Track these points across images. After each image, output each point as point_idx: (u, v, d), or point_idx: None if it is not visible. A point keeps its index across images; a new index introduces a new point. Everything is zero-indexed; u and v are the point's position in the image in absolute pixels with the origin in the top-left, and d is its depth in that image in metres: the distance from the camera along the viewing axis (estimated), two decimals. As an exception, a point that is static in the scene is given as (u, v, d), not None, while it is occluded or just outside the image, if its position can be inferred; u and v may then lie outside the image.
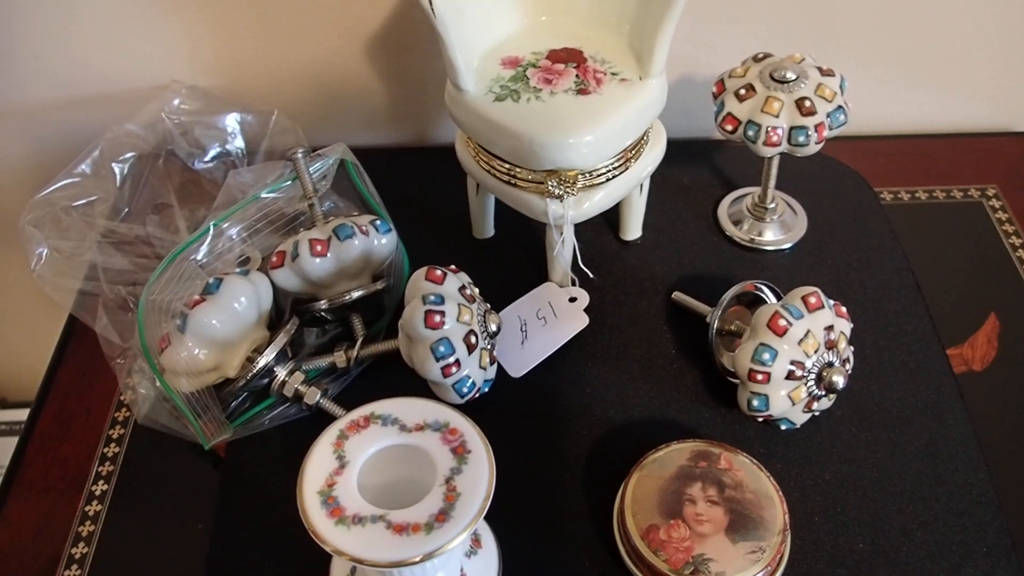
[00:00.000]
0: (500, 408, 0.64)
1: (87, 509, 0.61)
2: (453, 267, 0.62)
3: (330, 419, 0.58)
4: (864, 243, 0.75)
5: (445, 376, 0.59)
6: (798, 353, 0.57)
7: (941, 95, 0.86)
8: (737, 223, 0.76)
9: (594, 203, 0.65)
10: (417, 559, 0.44)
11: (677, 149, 0.74)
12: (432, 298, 0.58)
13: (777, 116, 0.66)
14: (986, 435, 0.63)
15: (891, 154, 0.85)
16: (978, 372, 0.67)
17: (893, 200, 0.80)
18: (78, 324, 0.70)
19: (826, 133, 0.66)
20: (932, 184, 0.82)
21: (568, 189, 0.63)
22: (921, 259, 0.74)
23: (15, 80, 0.83)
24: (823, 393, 0.59)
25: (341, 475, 0.47)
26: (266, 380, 0.62)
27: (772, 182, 0.74)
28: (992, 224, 0.78)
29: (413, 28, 0.79)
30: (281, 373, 0.62)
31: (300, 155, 0.67)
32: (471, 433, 0.49)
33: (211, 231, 0.65)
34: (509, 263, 0.74)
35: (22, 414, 0.93)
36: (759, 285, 0.66)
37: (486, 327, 0.62)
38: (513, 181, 0.64)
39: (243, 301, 0.61)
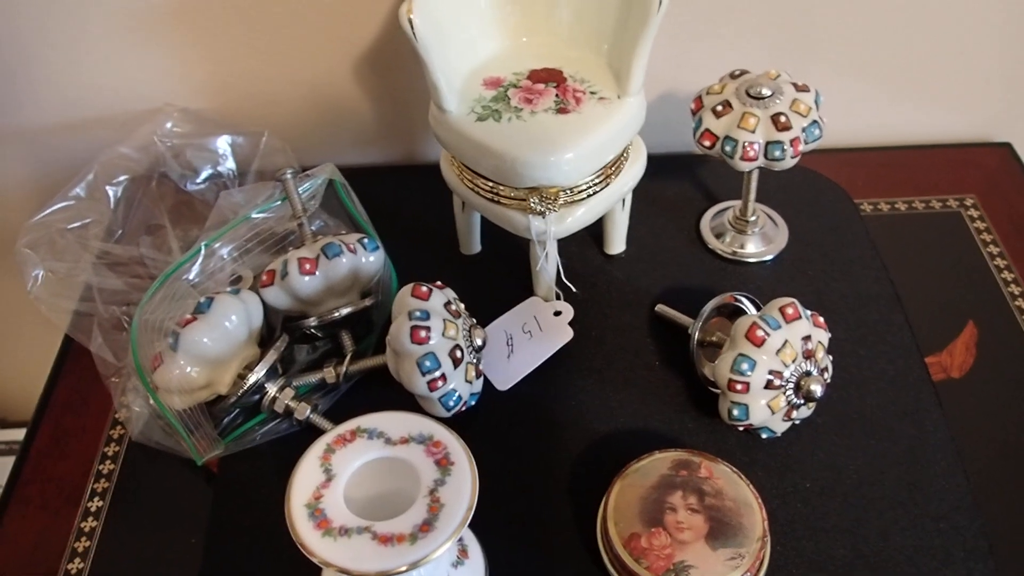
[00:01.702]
0: (487, 420, 0.65)
1: (83, 525, 0.62)
2: (439, 283, 0.63)
3: (320, 434, 0.59)
4: (844, 254, 0.76)
5: (431, 390, 0.60)
6: (776, 363, 0.59)
7: (919, 107, 0.88)
8: (719, 236, 0.77)
9: (576, 219, 0.66)
10: (403, 569, 0.45)
11: (660, 164, 0.75)
12: (418, 314, 0.59)
13: (753, 131, 0.67)
14: (964, 441, 0.64)
15: (870, 166, 0.86)
16: (956, 379, 0.68)
17: (873, 211, 0.82)
18: (74, 344, 0.72)
19: (801, 147, 0.68)
20: (911, 195, 0.83)
21: (550, 206, 0.64)
22: (900, 269, 0.75)
23: (9, 105, 0.84)
24: (802, 402, 0.60)
25: (328, 488, 0.48)
26: (257, 396, 0.63)
27: (753, 195, 0.75)
28: (970, 234, 0.79)
29: (399, 49, 0.80)
30: (272, 389, 0.63)
31: (289, 176, 0.67)
32: (454, 445, 0.50)
33: (203, 251, 0.66)
34: (495, 278, 0.75)
35: (19, 434, 0.93)
36: (739, 296, 0.67)
37: (471, 341, 0.63)
38: (496, 198, 0.66)
39: (234, 319, 0.62)
